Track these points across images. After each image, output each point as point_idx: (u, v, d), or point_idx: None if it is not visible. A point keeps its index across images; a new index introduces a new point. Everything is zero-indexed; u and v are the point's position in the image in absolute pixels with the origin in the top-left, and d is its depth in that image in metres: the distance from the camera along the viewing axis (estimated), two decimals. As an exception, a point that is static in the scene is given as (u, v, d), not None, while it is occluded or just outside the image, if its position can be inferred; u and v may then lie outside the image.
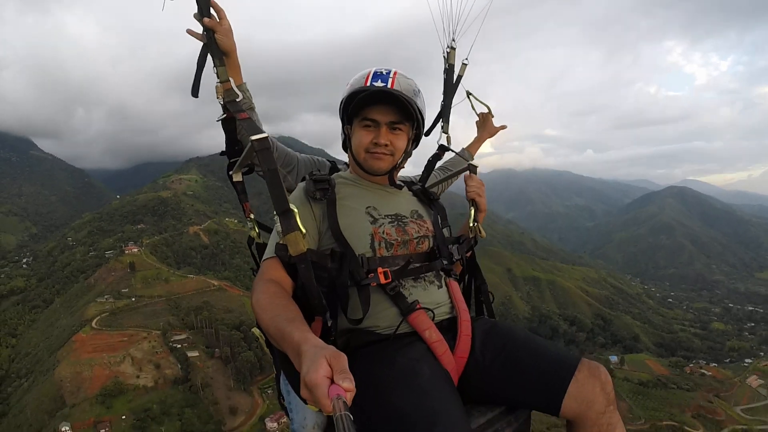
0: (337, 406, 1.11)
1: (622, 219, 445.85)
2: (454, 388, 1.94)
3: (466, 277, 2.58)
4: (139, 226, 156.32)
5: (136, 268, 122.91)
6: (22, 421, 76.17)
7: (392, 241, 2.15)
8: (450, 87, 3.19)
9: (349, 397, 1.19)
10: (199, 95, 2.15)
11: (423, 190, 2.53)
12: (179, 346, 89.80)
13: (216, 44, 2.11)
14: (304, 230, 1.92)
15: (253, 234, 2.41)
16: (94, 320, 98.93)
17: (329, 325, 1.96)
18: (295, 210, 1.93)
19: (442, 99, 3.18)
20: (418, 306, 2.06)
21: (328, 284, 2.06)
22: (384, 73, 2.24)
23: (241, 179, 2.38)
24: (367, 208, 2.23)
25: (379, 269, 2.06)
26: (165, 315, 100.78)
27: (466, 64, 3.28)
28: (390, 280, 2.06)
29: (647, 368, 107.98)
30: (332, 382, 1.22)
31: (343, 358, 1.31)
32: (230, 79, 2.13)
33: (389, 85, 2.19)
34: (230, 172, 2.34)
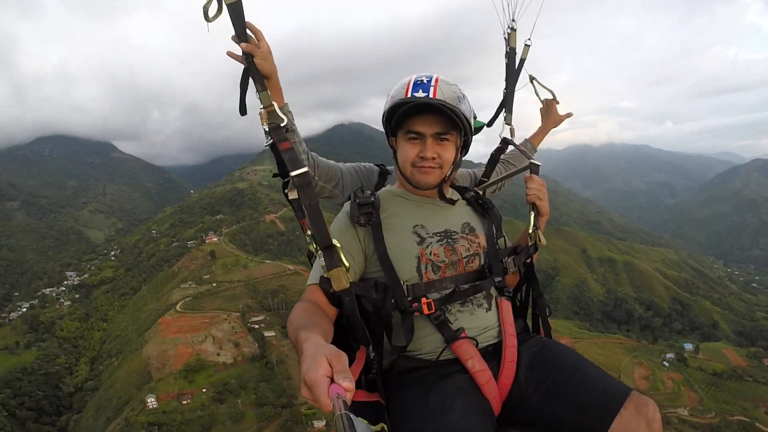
0: (337, 405, 1.12)
1: (704, 195, 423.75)
2: (489, 425, 1.92)
3: (524, 287, 2.54)
4: (218, 217, 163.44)
5: (217, 255, 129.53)
6: (111, 394, 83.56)
7: (439, 264, 2.12)
8: (512, 73, 3.02)
9: (348, 396, 1.19)
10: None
11: (476, 197, 2.45)
12: (257, 326, 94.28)
13: (256, 68, 2.08)
14: (347, 265, 1.91)
15: (312, 248, 2.28)
16: (178, 304, 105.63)
17: (371, 357, 1.95)
18: (338, 245, 1.91)
19: (504, 87, 3.00)
20: (462, 335, 2.03)
21: (373, 313, 2.07)
22: (425, 81, 2.15)
23: (296, 196, 2.32)
24: (414, 226, 2.18)
25: (423, 299, 2.02)
26: (244, 298, 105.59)
27: (528, 46, 3.06)
28: (433, 310, 2.02)
29: (723, 358, 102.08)
30: (332, 381, 1.22)
31: (344, 358, 1.30)
32: (273, 103, 2.10)
33: (431, 95, 2.10)
34: (285, 191, 2.24)
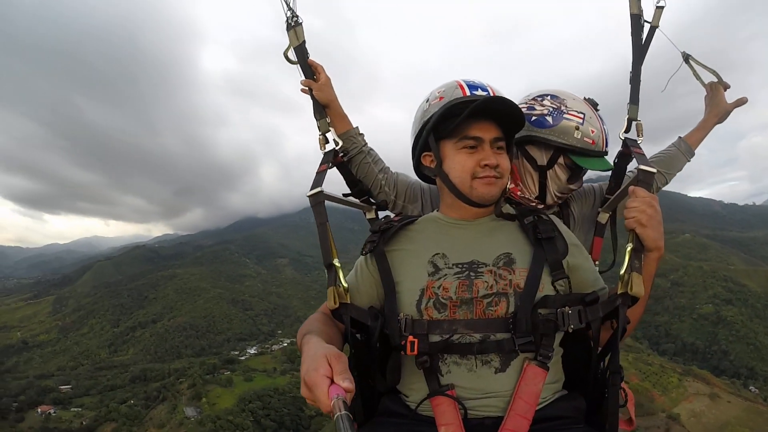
0: (337, 406, 1.12)
1: None
2: None
3: (602, 356, 1.81)
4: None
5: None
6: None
7: (445, 300, 1.72)
8: (638, 49, 2.25)
9: (349, 397, 1.18)
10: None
11: (535, 222, 1.87)
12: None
13: (315, 99, 2.37)
14: (345, 285, 1.83)
15: None
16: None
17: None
18: (338, 265, 1.86)
19: (630, 70, 2.25)
20: (450, 392, 1.63)
21: (366, 341, 1.85)
22: (476, 82, 1.93)
23: (374, 216, 2.42)
24: (434, 255, 1.83)
25: (410, 338, 1.66)
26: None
27: (661, 7, 2.31)
28: (416, 352, 1.65)
29: None
30: (332, 381, 1.21)
31: (344, 359, 1.29)
32: (330, 129, 2.36)
33: (491, 94, 1.85)
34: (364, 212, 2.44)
